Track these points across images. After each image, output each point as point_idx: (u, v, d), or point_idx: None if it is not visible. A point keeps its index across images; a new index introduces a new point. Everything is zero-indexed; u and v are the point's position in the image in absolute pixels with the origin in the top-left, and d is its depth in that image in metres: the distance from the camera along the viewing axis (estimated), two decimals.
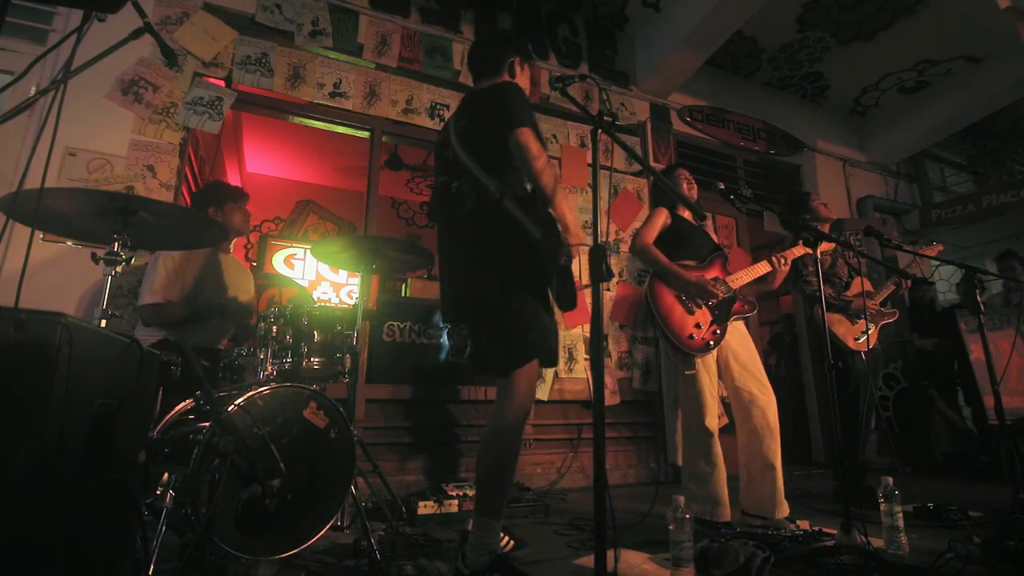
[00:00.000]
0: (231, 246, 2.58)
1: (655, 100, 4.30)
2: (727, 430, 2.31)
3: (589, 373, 3.37)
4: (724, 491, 2.09)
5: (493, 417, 1.56)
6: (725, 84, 4.76)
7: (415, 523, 2.23)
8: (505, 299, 1.55)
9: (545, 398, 3.27)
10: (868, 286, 2.93)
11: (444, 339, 3.19)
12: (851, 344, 2.80)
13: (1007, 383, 2.71)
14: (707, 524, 2.05)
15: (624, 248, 3.83)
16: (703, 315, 2.22)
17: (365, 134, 3.47)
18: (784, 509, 2.11)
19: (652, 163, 4.06)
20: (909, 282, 2.92)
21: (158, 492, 1.40)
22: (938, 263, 4.43)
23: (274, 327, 1.90)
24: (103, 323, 1.34)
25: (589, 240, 1.26)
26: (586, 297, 3.30)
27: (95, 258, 1.41)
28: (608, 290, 3.71)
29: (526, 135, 1.52)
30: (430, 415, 3.03)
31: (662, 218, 2.38)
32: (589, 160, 3.63)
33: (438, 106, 3.51)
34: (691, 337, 2.18)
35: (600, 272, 1.20)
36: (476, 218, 1.58)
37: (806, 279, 2.87)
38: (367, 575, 1.58)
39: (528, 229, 1.52)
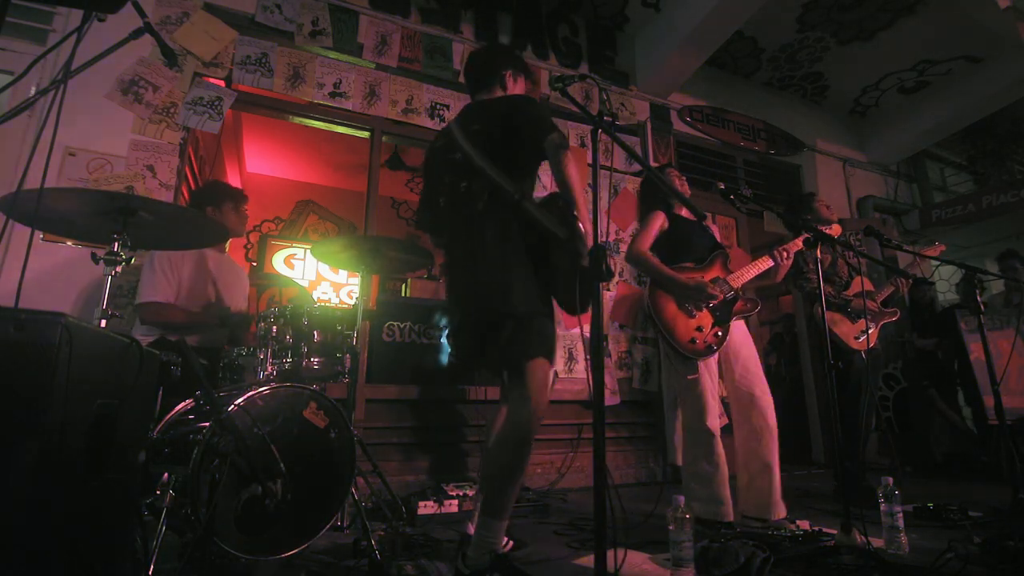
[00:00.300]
0: (227, 246, 2.57)
1: (655, 100, 4.30)
2: (727, 430, 2.30)
3: (589, 373, 3.37)
4: (726, 491, 2.08)
5: (508, 417, 1.56)
6: (725, 84, 4.76)
7: (415, 523, 2.23)
8: (519, 298, 1.55)
9: None
10: (868, 285, 2.93)
11: (444, 339, 3.19)
12: (852, 344, 2.79)
13: (1007, 383, 2.71)
14: (708, 524, 2.04)
15: (624, 248, 3.83)
16: (704, 318, 2.21)
17: (365, 134, 3.47)
18: (781, 510, 2.11)
19: (652, 163, 4.06)
20: (910, 280, 2.92)
21: (158, 492, 1.40)
22: (938, 263, 4.42)
23: (274, 327, 1.90)
24: (103, 323, 1.34)
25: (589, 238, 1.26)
26: None
27: (95, 258, 1.41)
28: (608, 290, 3.71)
29: (561, 138, 1.56)
30: (430, 415, 3.03)
31: (658, 222, 2.36)
32: (589, 160, 3.62)
33: (438, 106, 3.51)
34: (693, 341, 2.17)
35: (600, 272, 1.20)
36: (490, 217, 1.60)
37: (806, 276, 2.86)
38: (367, 575, 1.58)
39: (551, 229, 1.55)
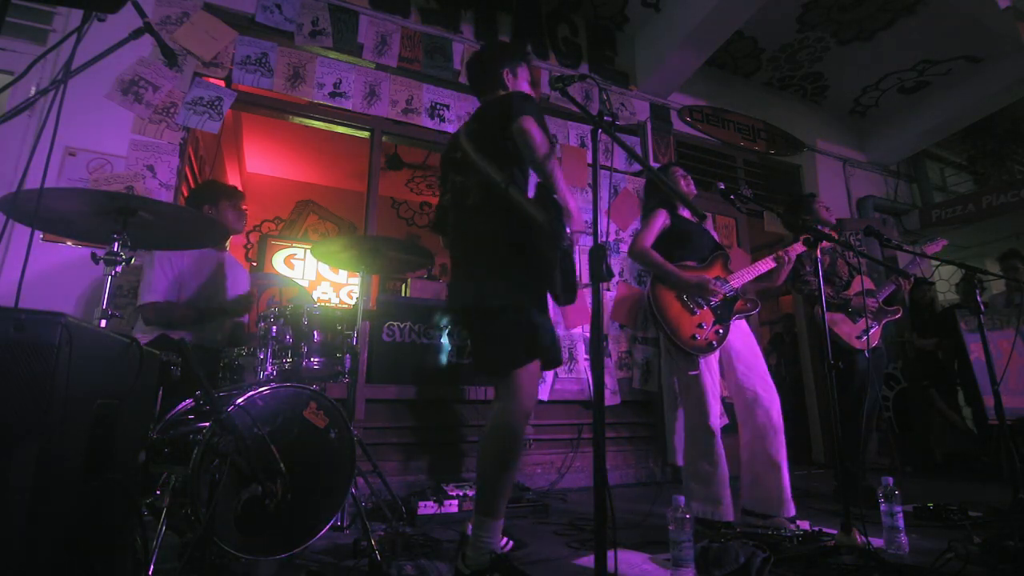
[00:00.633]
0: (227, 244, 2.58)
1: (655, 100, 4.30)
2: (728, 430, 2.30)
3: (589, 373, 3.37)
4: (726, 491, 2.08)
5: (494, 417, 1.56)
6: (725, 84, 4.76)
7: (415, 523, 2.23)
8: (507, 295, 1.56)
9: (545, 398, 3.27)
10: (869, 284, 2.93)
11: (444, 340, 3.19)
12: (854, 343, 2.79)
13: (1007, 383, 2.71)
14: (708, 524, 2.05)
15: (624, 248, 3.83)
16: (705, 315, 2.22)
17: (365, 134, 3.47)
18: (790, 508, 2.10)
19: (652, 163, 4.06)
20: (911, 280, 2.92)
21: (158, 492, 1.40)
22: (938, 263, 4.43)
23: (274, 327, 1.90)
24: (103, 323, 1.33)
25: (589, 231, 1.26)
26: (586, 297, 3.31)
27: (95, 258, 1.41)
28: (608, 290, 3.71)
29: (528, 122, 1.56)
30: (430, 415, 3.03)
31: (660, 220, 2.37)
32: (589, 160, 3.63)
33: (438, 106, 3.51)
34: (694, 337, 2.18)
35: (600, 272, 1.20)
36: (481, 209, 1.62)
37: (804, 279, 2.87)
38: (367, 575, 1.58)
39: (531, 213, 1.56)
